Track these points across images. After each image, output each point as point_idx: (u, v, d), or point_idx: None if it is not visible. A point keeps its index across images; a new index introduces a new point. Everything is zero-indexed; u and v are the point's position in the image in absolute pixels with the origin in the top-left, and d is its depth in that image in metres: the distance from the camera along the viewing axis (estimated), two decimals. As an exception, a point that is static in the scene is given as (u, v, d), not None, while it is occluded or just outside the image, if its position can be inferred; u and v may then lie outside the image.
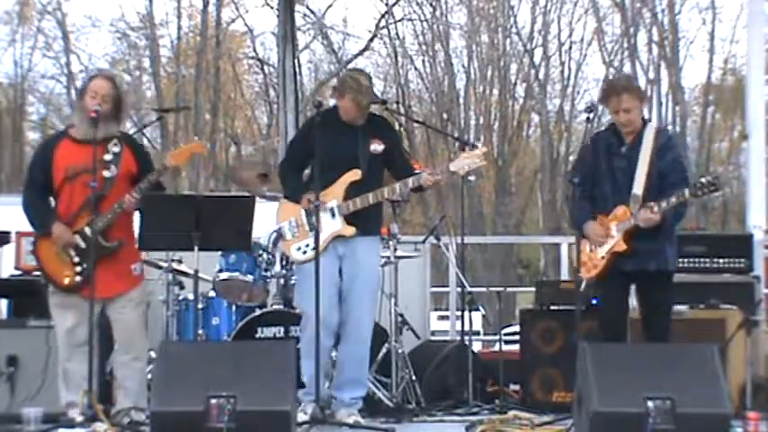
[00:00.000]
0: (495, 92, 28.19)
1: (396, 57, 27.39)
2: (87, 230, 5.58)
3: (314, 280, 5.63)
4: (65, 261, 5.66)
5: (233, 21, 27.48)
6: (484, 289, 10.28)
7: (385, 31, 27.13)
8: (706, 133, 27.64)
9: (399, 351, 6.68)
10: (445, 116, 27.03)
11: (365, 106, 5.95)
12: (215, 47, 26.77)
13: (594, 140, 5.93)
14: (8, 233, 7.02)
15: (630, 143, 5.76)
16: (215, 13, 27.25)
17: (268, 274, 6.78)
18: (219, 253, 6.71)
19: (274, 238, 6.69)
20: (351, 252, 5.91)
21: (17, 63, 26.62)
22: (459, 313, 7.44)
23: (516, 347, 7.17)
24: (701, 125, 27.71)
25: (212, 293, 6.85)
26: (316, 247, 5.66)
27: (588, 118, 5.91)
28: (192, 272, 5.82)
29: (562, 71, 27.94)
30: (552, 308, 6.95)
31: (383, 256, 6.82)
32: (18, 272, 7.08)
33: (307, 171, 6.08)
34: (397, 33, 27.41)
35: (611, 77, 6.35)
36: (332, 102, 6.15)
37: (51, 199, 5.77)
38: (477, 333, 10.96)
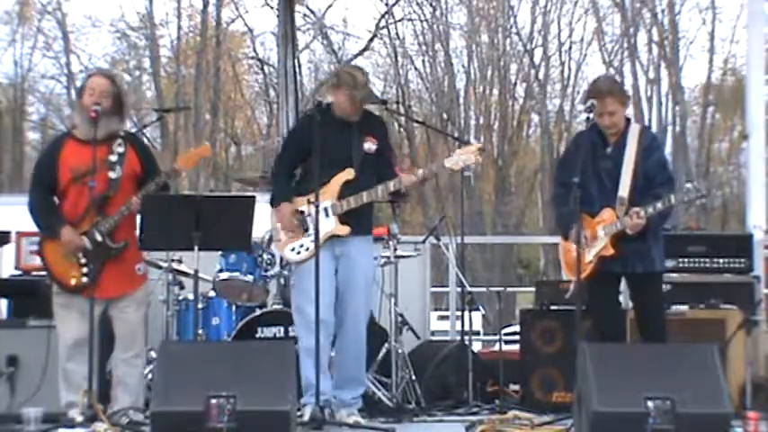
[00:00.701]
0: (495, 92, 28.20)
1: (396, 57, 27.41)
2: (95, 232, 5.59)
3: (312, 280, 5.63)
4: (71, 262, 5.66)
5: (233, 21, 27.53)
6: (484, 289, 10.30)
7: (385, 31, 27.17)
8: (706, 133, 27.65)
9: (399, 351, 6.68)
10: (445, 116, 27.03)
11: (359, 102, 5.93)
12: (215, 47, 26.78)
13: (578, 140, 5.91)
14: (8, 233, 7.02)
15: (615, 144, 5.75)
16: (215, 13, 27.26)
17: (268, 274, 6.78)
18: (219, 253, 6.71)
19: (268, 239, 6.69)
20: (345, 252, 5.90)
21: (17, 63, 26.67)
22: (459, 313, 7.43)
23: (516, 347, 7.16)
24: (701, 125, 27.72)
25: (212, 293, 6.85)
26: (316, 248, 5.65)
27: (588, 118, 5.88)
28: (192, 272, 5.82)
29: (562, 71, 27.98)
30: (552, 308, 6.95)
31: (383, 256, 6.83)
32: (18, 272, 7.08)
33: (297, 171, 6.07)
34: (397, 33, 27.46)
35: (596, 79, 6.35)
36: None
37: (55, 199, 5.77)
38: (477, 333, 10.96)
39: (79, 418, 5.36)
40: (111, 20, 26.97)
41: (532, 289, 7.50)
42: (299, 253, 5.87)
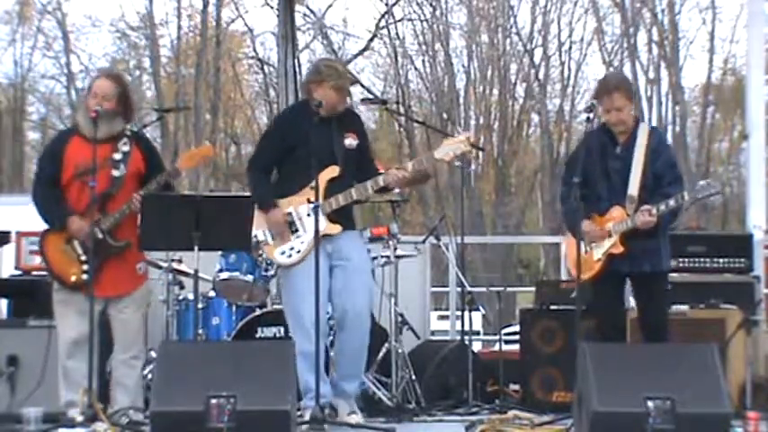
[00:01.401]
0: (495, 92, 28.22)
1: (396, 57, 27.42)
2: (96, 230, 5.59)
3: (305, 282, 5.60)
4: (72, 259, 5.67)
5: (233, 21, 27.55)
6: (484, 289, 10.27)
7: (385, 31, 27.19)
8: (706, 133, 27.66)
9: (399, 351, 6.68)
10: (445, 116, 27.03)
11: (346, 91, 5.90)
12: (215, 47, 26.78)
13: (587, 139, 5.90)
14: (8, 233, 7.02)
15: (624, 143, 5.76)
16: (215, 13, 27.27)
17: (268, 274, 6.77)
18: (219, 253, 6.70)
19: (254, 243, 6.61)
20: (337, 248, 5.83)
21: (17, 63, 26.70)
22: (459, 313, 7.43)
23: (516, 347, 7.16)
24: (701, 125, 27.73)
25: (212, 293, 6.85)
26: (316, 249, 5.62)
27: (588, 118, 5.89)
28: (192, 272, 5.81)
29: (562, 71, 28.00)
30: (552, 308, 6.95)
31: (383, 256, 6.83)
32: (18, 272, 7.08)
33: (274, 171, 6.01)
34: (397, 33, 27.48)
35: (604, 76, 6.40)
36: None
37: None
38: (477, 333, 10.95)
39: (79, 418, 5.36)
40: (111, 20, 27.06)
41: (532, 289, 7.50)
42: (289, 256, 5.83)
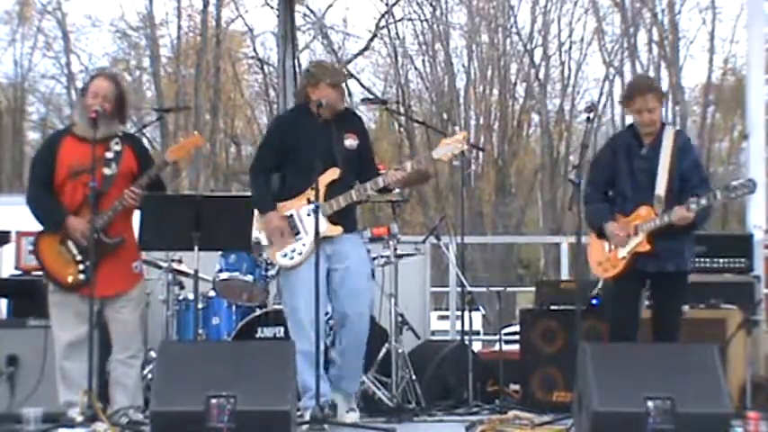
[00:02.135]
0: (495, 92, 28.20)
1: (396, 57, 27.40)
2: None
3: (305, 283, 5.62)
4: (67, 259, 5.66)
5: (233, 21, 27.53)
6: (484, 289, 10.27)
7: (385, 31, 27.17)
8: (706, 133, 27.64)
9: (399, 351, 6.69)
10: (445, 116, 27.02)
11: (342, 87, 5.93)
12: (215, 47, 26.77)
13: (613, 141, 5.99)
14: (8, 233, 7.02)
15: (650, 144, 5.79)
16: (215, 13, 27.25)
17: (268, 274, 6.78)
18: (219, 253, 6.71)
19: (255, 245, 6.62)
20: (337, 250, 5.85)
21: (17, 63, 26.67)
22: (459, 313, 7.44)
23: (516, 347, 7.16)
24: (701, 125, 27.71)
25: (212, 293, 6.85)
26: (316, 249, 5.63)
27: (588, 118, 5.93)
28: (192, 272, 5.82)
29: (562, 71, 27.98)
30: (552, 308, 6.95)
31: (383, 256, 6.83)
32: (18, 272, 7.08)
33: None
34: (397, 33, 27.46)
35: (633, 79, 6.45)
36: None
37: None
38: (477, 333, 10.96)
39: (79, 418, 5.36)
40: (112, 20, 27.07)
41: (532, 289, 7.50)
42: (291, 258, 5.83)
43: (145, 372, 6.23)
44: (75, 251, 5.66)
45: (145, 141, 6.60)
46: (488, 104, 28.20)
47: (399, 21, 27.21)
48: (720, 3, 26.82)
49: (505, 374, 6.92)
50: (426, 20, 27.72)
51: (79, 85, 24.98)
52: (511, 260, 27.29)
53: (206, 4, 26.84)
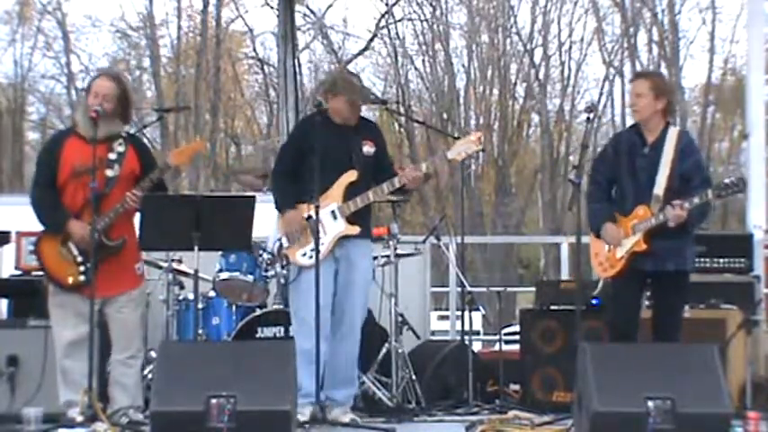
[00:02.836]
0: (495, 92, 28.19)
1: (396, 57, 27.39)
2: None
3: (312, 283, 5.64)
4: (68, 260, 5.66)
5: (233, 21, 27.51)
6: (484, 289, 10.29)
7: (385, 31, 27.15)
8: (706, 133, 27.62)
9: (399, 351, 6.69)
10: (445, 116, 27.02)
11: (358, 106, 5.99)
12: (215, 47, 26.77)
13: (616, 140, 5.99)
14: (8, 233, 7.01)
15: (653, 144, 5.78)
16: (215, 13, 27.24)
17: (268, 274, 6.78)
18: (219, 253, 6.71)
19: (278, 247, 6.63)
20: (345, 254, 5.94)
21: (17, 63, 26.65)
22: (459, 313, 7.44)
23: (516, 347, 7.17)
24: (701, 125, 27.70)
25: (212, 293, 6.85)
26: (316, 249, 5.66)
27: (588, 118, 5.93)
28: (192, 272, 5.82)
29: (562, 71, 27.96)
30: (552, 308, 6.95)
31: (383, 256, 6.84)
32: (18, 272, 7.07)
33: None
34: (397, 33, 27.43)
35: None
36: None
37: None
38: (477, 333, 10.96)
39: (79, 418, 5.36)
40: (112, 20, 27.00)
41: (532, 289, 7.50)
42: (310, 257, 5.86)
43: (145, 372, 6.23)
44: (75, 252, 5.66)
45: (145, 141, 6.59)
46: (488, 104, 28.20)
47: (399, 21, 27.21)
48: (720, 3, 26.86)
49: (505, 374, 6.92)
50: (426, 20, 27.72)
51: (79, 85, 25.05)
52: (511, 260, 27.29)
53: (206, 4, 26.85)
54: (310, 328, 5.69)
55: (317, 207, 5.68)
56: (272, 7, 24.17)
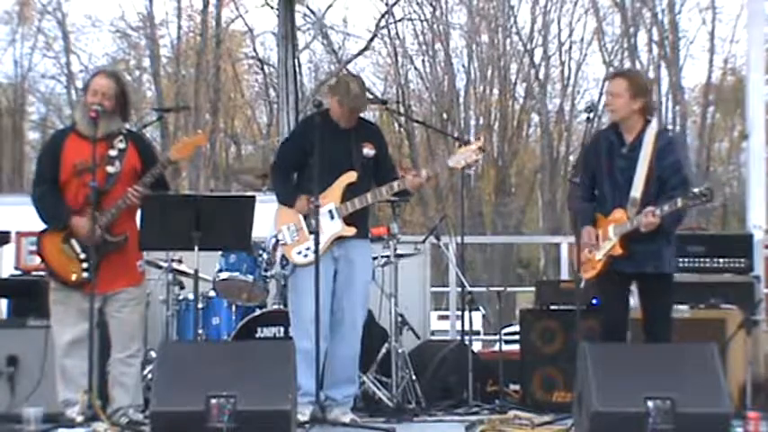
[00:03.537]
0: (495, 92, 28.21)
1: (396, 57, 27.40)
2: (96, 228, 5.58)
3: (310, 282, 5.64)
4: (70, 257, 5.66)
5: (233, 21, 27.50)
6: (484, 289, 10.27)
7: (385, 31, 27.14)
8: (706, 133, 27.64)
9: (399, 351, 6.68)
10: (445, 116, 27.03)
11: (349, 111, 5.98)
12: (215, 47, 26.76)
13: (596, 139, 5.92)
14: (8, 233, 7.02)
15: (631, 144, 5.73)
16: (215, 13, 27.25)
17: (268, 274, 6.78)
18: (219, 253, 6.71)
19: (273, 243, 6.66)
20: (344, 254, 5.95)
21: (17, 63, 26.66)
22: (459, 313, 7.43)
23: (516, 347, 7.17)
24: (701, 125, 27.71)
25: (212, 293, 6.85)
26: (316, 249, 5.66)
27: (588, 118, 5.90)
28: (192, 272, 5.82)
29: (562, 71, 27.96)
30: (552, 308, 6.95)
31: (383, 256, 6.84)
32: (18, 272, 7.08)
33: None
34: (397, 33, 27.43)
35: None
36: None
37: None
38: (477, 333, 10.96)
39: (79, 418, 5.36)
40: (112, 19, 26.99)
41: (532, 289, 7.50)
42: (305, 256, 5.87)
43: (145, 372, 6.23)
44: (78, 249, 5.66)
45: (146, 138, 6.59)
46: (488, 104, 28.20)
47: (399, 21, 27.20)
48: (720, 3, 26.86)
49: (505, 374, 6.91)
50: (426, 20, 27.72)
51: (79, 85, 25.01)
52: (510, 260, 27.29)
53: (206, 4, 26.85)
54: (307, 328, 5.70)
55: (317, 206, 5.69)
56: (272, 7, 24.17)
